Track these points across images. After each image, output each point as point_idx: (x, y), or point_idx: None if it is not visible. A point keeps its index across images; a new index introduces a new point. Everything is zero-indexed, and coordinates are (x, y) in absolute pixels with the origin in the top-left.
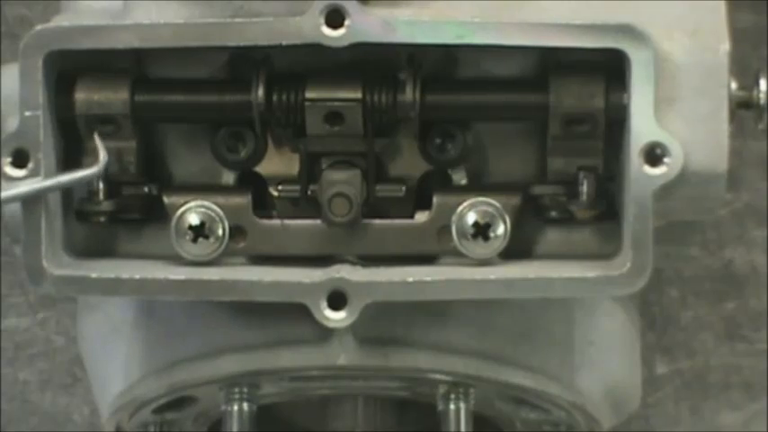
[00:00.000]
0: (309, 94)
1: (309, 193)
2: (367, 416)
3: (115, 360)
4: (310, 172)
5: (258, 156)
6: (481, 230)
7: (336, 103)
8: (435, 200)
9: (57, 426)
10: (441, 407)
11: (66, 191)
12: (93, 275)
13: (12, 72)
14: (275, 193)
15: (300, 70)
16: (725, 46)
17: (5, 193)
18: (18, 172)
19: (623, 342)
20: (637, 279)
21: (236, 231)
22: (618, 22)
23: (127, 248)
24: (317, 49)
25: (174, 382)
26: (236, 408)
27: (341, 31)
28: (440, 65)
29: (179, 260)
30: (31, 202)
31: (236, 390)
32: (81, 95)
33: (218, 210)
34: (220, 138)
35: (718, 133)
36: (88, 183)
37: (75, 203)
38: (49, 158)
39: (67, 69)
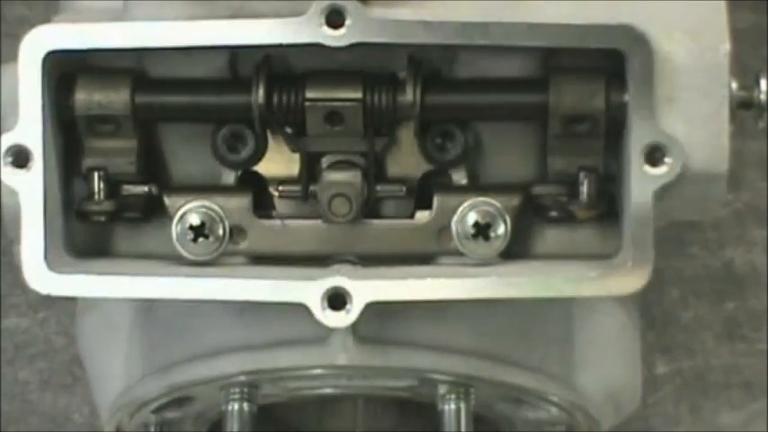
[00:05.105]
0: (310, 94)
1: (309, 193)
2: (367, 416)
3: (115, 360)
4: (310, 172)
5: (258, 156)
6: (482, 230)
7: (336, 103)
8: (435, 200)
9: (57, 426)
10: (441, 407)
11: (67, 190)
12: (93, 275)
13: (12, 72)
14: (275, 193)
15: (300, 70)
16: (725, 46)
17: None
18: (18, 172)
19: (623, 342)
20: (637, 279)
21: (237, 231)
22: (618, 23)
23: (127, 248)
24: (317, 49)
25: (173, 382)
26: (236, 408)
27: (341, 31)
28: (440, 65)
29: (179, 260)
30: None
31: (236, 390)
32: (81, 95)
33: (218, 210)
34: (221, 138)
35: (718, 133)
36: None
37: (75, 203)
38: (49, 158)
39: (67, 69)
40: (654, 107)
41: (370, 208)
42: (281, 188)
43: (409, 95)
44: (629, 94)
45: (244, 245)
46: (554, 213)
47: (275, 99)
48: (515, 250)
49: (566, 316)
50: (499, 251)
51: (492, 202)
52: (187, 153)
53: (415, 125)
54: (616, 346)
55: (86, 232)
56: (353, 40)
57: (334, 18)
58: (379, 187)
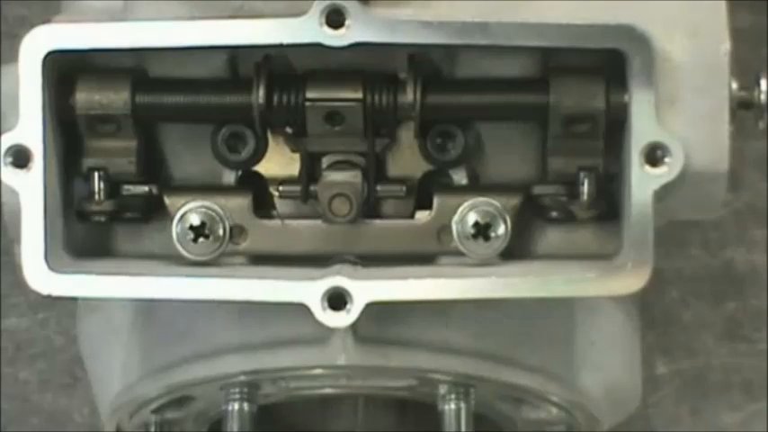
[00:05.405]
0: (310, 94)
1: (310, 193)
2: (367, 416)
3: (115, 360)
4: (311, 172)
5: (258, 156)
6: (482, 230)
7: (337, 103)
8: (436, 200)
9: (57, 426)
10: (441, 407)
11: (67, 190)
12: (94, 275)
13: (12, 72)
14: (276, 193)
15: (301, 70)
16: (725, 46)
17: None
18: (18, 172)
19: (624, 342)
20: (637, 279)
21: (237, 231)
22: (618, 23)
23: (127, 248)
24: (317, 49)
25: (173, 382)
26: (236, 407)
27: (341, 31)
28: (440, 65)
29: (179, 260)
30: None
31: (236, 390)
32: (82, 95)
33: (218, 210)
34: (221, 138)
35: (718, 133)
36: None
37: (75, 203)
38: (49, 158)
39: (68, 69)
40: (654, 107)
41: (371, 208)
42: (281, 188)
43: (409, 95)
44: (629, 94)
45: (244, 245)
46: (554, 213)
47: (275, 99)
48: (515, 250)
49: (566, 316)
50: (499, 251)
51: (492, 202)
52: (187, 153)
53: (416, 125)
54: (616, 346)
55: (86, 232)
56: (354, 40)
57: (335, 18)
58: (379, 187)
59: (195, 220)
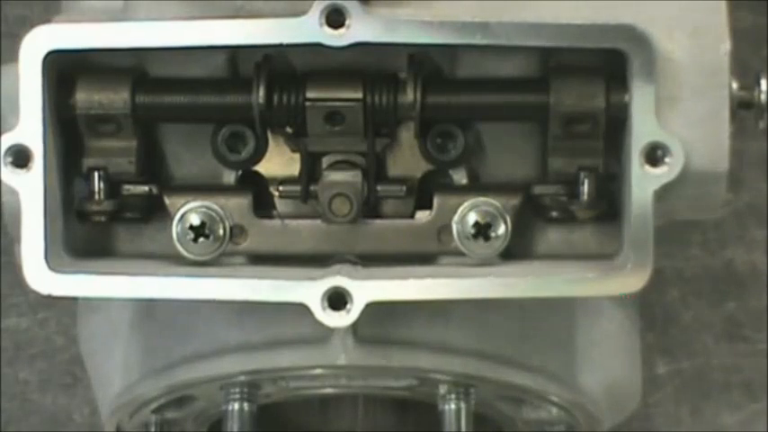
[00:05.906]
0: (310, 94)
1: (310, 192)
2: (367, 416)
3: (115, 360)
4: (311, 172)
5: (259, 155)
6: (482, 230)
7: (337, 103)
8: (436, 200)
9: (57, 426)
10: (441, 407)
11: (67, 190)
12: (94, 275)
13: (12, 72)
14: (276, 193)
15: (301, 70)
16: (726, 46)
17: None
18: (18, 172)
19: (624, 342)
20: (637, 279)
21: (237, 231)
22: (618, 23)
23: (127, 248)
24: (317, 49)
25: (173, 381)
26: (236, 407)
27: (341, 31)
28: (440, 65)
29: (179, 260)
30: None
31: (236, 389)
32: (82, 95)
33: (218, 210)
34: (221, 138)
35: (719, 133)
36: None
37: (75, 203)
38: (49, 158)
39: (68, 69)
40: (654, 107)
41: (371, 208)
42: (281, 188)
43: (410, 95)
44: (629, 93)
45: (244, 245)
46: (554, 213)
47: (275, 99)
48: (515, 250)
49: (567, 316)
50: (499, 251)
51: (492, 202)
52: (187, 153)
53: (416, 125)
54: (616, 346)
55: (86, 232)
56: (354, 40)
57: (335, 18)
58: (379, 187)
59: (195, 219)
